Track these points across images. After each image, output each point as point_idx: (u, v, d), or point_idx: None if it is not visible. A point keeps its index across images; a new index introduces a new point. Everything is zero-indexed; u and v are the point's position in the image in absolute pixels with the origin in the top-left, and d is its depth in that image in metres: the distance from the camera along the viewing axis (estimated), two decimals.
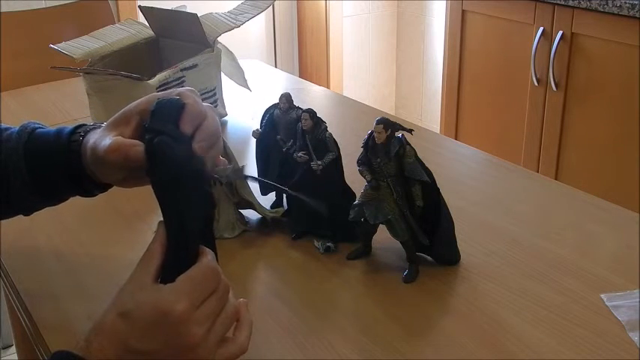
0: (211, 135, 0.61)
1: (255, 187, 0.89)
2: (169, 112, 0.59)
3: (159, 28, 1.30)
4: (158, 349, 0.54)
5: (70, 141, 0.68)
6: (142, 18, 1.33)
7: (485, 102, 2.37)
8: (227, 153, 0.83)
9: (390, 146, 0.74)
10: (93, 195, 0.72)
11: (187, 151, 0.58)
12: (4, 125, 0.72)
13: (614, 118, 1.96)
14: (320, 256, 0.82)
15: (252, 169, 0.92)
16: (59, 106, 1.41)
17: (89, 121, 1.22)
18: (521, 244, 0.84)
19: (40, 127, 0.71)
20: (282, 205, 0.90)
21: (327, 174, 0.81)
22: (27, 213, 0.76)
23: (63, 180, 0.68)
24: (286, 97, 0.86)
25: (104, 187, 0.71)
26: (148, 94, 1.13)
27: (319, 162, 0.81)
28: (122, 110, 0.65)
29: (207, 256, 0.57)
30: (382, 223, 0.78)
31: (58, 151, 0.68)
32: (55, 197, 0.72)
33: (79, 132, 0.68)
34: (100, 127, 0.68)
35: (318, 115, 0.81)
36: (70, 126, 0.70)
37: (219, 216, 0.86)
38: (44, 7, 2.05)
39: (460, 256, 0.80)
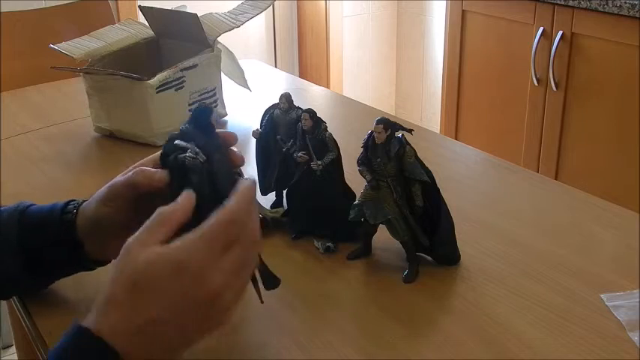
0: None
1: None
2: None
3: (159, 28, 1.30)
4: (176, 307, 0.50)
5: (64, 212, 0.67)
6: (142, 18, 1.33)
7: (485, 102, 2.37)
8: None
9: (390, 146, 0.74)
10: (90, 268, 0.70)
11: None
12: None
13: (614, 117, 1.96)
14: (320, 256, 0.82)
15: (252, 169, 0.92)
16: (59, 106, 1.41)
17: (89, 121, 1.23)
18: (521, 244, 0.84)
19: (32, 204, 0.70)
20: (282, 205, 0.90)
21: (327, 174, 0.81)
22: (20, 293, 0.74)
23: (56, 252, 0.67)
24: (286, 97, 0.86)
25: (98, 262, 0.70)
26: (148, 94, 1.13)
27: (319, 162, 0.81)
28: (129, 169, 0.65)
29: (230, 202, 0.53)
30: (382, 223, 0.78)
31: (52, 224, 0.66)
32: (49, 273, 0.70)
33: (72, 204, 0.68)
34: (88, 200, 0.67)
35: (318, 115, 0.81)
36: (62, 201, 0.69)
37: None
38: (44, 7, 2.05)
39: (460, 256, 0.80)
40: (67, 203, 0.68)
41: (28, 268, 0.67)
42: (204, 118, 0.63)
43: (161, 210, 0.53)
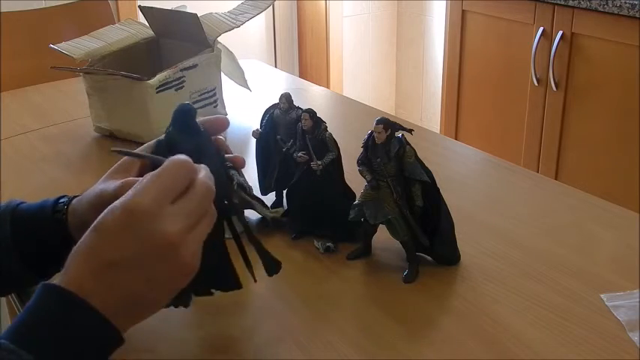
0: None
1: (255, 187, 0.89)
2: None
3: (159, 28, 1.30)
4: (135, 253, 0.50)
5: (55, 211, 0.67)
6: (142, 18, 1.33)
7: (485, 102, 2.37)
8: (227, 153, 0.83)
9: (390, 146, 0.74)
10: None
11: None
12: None
13: (614, 118, 1.96)
14: (320, 256, 0.82)
15: (252, 169, 0.92)
16: (59, 106, 1.41)
17: (89, 121, 1.23)
18: (521, 244, 0.84)
19: (22, 202, 0.70)
20: (282, 205, 0.90)
21: (327, 174, 0.81)
22: (19, 289, 0.74)
23: (49, 249, 0.66)
24: (286, 97, 0.86)
25: None
26: (148, 94, 1.13)
27: (319, 162, 0.81)
28: (120, 161, 0.65)
29: (179, 155, 0.54)
30: (382, 223, 0.78)
31: (43, 222, 0.66)
32: (44, 268, 0.69)
33: (62, 202, 0.67)
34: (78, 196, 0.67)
35: (318, 115, 0.81)
36: (51, 198, 0.68)
37: None
38: (44, 7, 2.05)
39: (460, 256, 0.80)
40: (57, 201, 0.68)
41: (23, 263, 0.67)
42: (187, 118, 0.62)
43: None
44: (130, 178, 0.63)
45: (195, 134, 0.62)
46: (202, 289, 0.66)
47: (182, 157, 0.54)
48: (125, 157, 0.65)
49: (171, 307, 0.64)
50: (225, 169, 0.66)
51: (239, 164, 0.66)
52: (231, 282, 0.65)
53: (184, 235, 0.51)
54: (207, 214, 0.54)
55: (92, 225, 0.51)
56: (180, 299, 0.63)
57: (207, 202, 0.54)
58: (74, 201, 0.67)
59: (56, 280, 0.52)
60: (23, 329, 0.49)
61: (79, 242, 0.52)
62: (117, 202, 0.51)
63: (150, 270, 0.51)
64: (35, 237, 0.67)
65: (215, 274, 0.64)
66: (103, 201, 0.62)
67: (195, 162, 0.57)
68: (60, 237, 0.66)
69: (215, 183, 0.57)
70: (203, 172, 0.55)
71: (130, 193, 0.51)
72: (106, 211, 0.51)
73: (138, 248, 0.50)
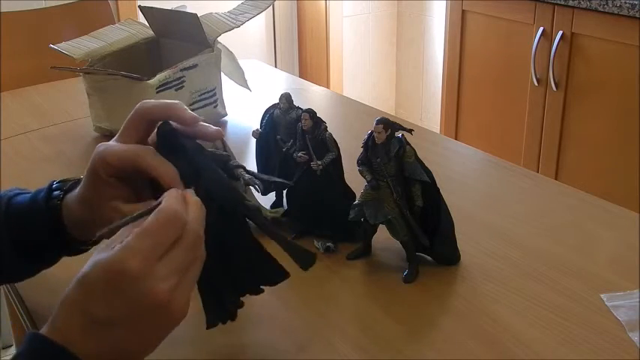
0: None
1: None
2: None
3: (159, 28, 1.30)
4: (124, 314, 0.49)
5: (50, 198, 0.66)
6: (142, 18, 1.33)
7: (485, 102, 2.37)
8: (227, 152, 0.83)
9: (390, 146, 0.74)
10: (80, 251, 0.69)
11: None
12: None
13: (614, 118, 1.96)
14: (320, 256, 0.82)
15: (252, 169, 0.92)
16: (59, 106, 1.41)
17: (89, 122, 1.23)
18: (522, 244, 0.84)
19: (20, 193, 0.69)
20: (282, 205, 0.90)
21: (327, 174, 0.81)
22: (17, 279, 0.74)
23: (44, 237, 0.66)
24: (286, 97, 0.86)
25: (85, 243, 0.69)
26: (148, 94, 1.13)
27: (319, 162, 0.81)
28: (124, 123, 0.64)
29: (167, 201, 0.51)
30: (382, 223, 0.78)
31: (37, 210, 0.66)
32: (41, 258, 0.70)
33: (55, 194, 0.66)
34: (73, 180, 0.66)
35: (318, 115, 0.81)
36: (44, 187, 0.68)
37: None
38: (44, 7, 2.05)
39: (460, 256, 0.80)
40: (50, 193, 0.67)
41: (15, 253, 0.67)
42: (171, 139, 0.60)
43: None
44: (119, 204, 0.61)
45: (183, 153, 0.60)
46: (252, 289, 0.64)
47: (172, 207, 0.51)
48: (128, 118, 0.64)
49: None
50: (230, 170, 0.64)
51: (213, 136, 0.64)
52: (277, 274, 0.64)
53: (174, 291, 0.50)
54: (196, 260, 0.53)
55: (77, 277, 0.50)
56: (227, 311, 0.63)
57: (197, 250, 0.53)
58: (68, 197, 0.66)
59: (44, 328, 0.51)
60: None
61: (66, 291, 0.51)
62: (103, 258, 0.49)
63: (139, 327, 0.50)
64: (27, 226, 0.66)
65: (259, 270, 0.63)
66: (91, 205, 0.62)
67: (191, 180, 0.57)
68: (52, 226, 0.66)
69: (220, 190, 0.57)
70: (191, 213, 0.53)
71: (117, 250, 0.49)
72: (91, 263, 0.50)
73: (127, 309, 0.49)
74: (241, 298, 0.64)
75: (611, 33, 1.89)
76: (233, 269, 0.61)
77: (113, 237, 0.52)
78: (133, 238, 0.49)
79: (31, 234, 0.67)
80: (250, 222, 0.62)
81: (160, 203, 0.52)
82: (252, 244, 0.62)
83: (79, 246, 0.69)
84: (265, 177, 0.66)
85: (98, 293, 0.49)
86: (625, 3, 1.80)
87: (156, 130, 0.61)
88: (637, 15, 1.79)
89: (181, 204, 0.53)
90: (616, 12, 1.83)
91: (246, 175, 0.65)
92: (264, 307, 0.74)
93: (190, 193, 0.55)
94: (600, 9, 1.87)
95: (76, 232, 0.66)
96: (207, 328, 0.62)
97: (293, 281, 0.78)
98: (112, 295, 0.49)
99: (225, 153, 0.68)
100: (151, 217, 0.51)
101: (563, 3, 1.97)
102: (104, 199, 0.61)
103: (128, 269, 0.48)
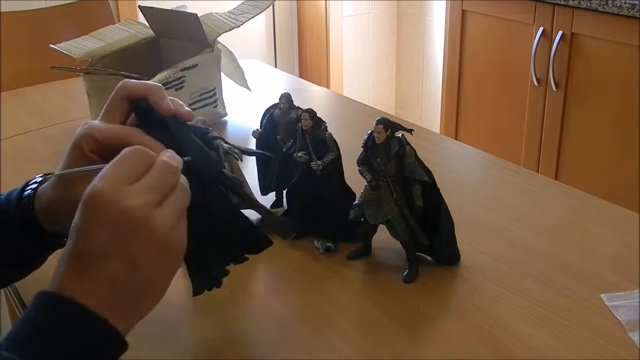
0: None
1: (255, 187, 0.89)
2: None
3: (159, 28, 1.30)
4: (107, 241, 0.49)
5: (21, 197, 0.65)
6: (142, 18, 1.33)
7: (485, 102, 2.37)
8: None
9: (390, 146, 0.74)
10: (63, 244, 0.69)
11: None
12: None
13: (614, 118, 1.96)
14: (320, 256, 0.82)
15: (252, 169, 0.92)
16: (59, 106, 1.41)
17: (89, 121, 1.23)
18: (521, 244, 0.84)
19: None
20: (282, 205, 0.90)
21: (327, 174, 0.81)
22: (5, 284, 0.74)
23: (19, 240, 0.65)
24: (286, 97, 0.86)
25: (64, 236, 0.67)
26: None
27: (319, 162, 0.81)
28: (106, 104, 0.63)
29: (136, 137, 0.54)
30: (382, 223, 0.78)
31: (7, 213, 0.65)
32: (23, 261, 0.68)
33: (26, 193, 0.65)
34: (46, 178, 0.66)
35: (318, 115, 0.81)
36: (18, 188, 0.67)
37: None
38: (44, 7, 2.05)
39: (460, 256, 0.80)
40: (22, 192, 0.66)
41: None
42: (149, 114, 0.60)
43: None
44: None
45: (164, 127, 0.60)
46: (237, 256, 0.66)
47: (138, 145, 0.53)
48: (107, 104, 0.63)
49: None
50: (208, 142, 0.64)
51: (185, 117, 0.64)
52: (261, 242, 0.65)
53: (150, 209, 0.50)
54: (176, 188, 0.53)
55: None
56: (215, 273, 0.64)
57: (171, 177, 0.53)
58: (39, 191, 0.65)
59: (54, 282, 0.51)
60: (18, 336, 0.48)
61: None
62: (83, 195, 0.50)
63: (126, 252, 0.50)
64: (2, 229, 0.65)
65: (242, 239, 0.64)
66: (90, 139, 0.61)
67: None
68: (25, 226, 0.64)
69: (201, 161, 0.57)
70: (167, 153, 0.54)
71: (90, 184, 0.50)
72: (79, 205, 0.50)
73: (107, 234, 0.49)
74: (227, 267, 0.65)
75: (611, 33, 1.89)
76: (217, 238, 0.62)
77: None
78: (102, 170, 0.50)
79: (5, 239, 0.65)
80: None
81: None
82: (234, 213, 0.63)
83: (59, 240, 0.67)
84: (243, 148, 0.67)
85: (81, 231, 0.49)
86: (625, 3, 1.80)
87: (134, 108, 0.61)
88: (637, 15, 1.79)
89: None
90: (616, 12, 1.83)
91: (225, 144, 0.65)
92: (263, 307, 0.74)
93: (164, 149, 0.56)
94: (600, 9, 1.87)
95: (49, 223, 0.65)
96: (193, 295, 0.63)
97: (293, 281, 0.78)
98: (91, 225, 0.49)
99: (203, 126, 0.68)
100: (120, 153, 0.52)
101: (563, 3, 1.97)
102: (82, 175, 0.60)
103: (99, 192, 0.49)
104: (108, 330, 0.49)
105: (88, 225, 0.49)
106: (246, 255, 0.66)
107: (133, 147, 0.53)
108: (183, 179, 0.54)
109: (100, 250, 0.49)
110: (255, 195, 0.89)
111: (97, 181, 0.50)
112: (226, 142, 0.65)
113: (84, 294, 0.49)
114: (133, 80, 0.62)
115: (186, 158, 0.56)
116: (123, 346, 0.51)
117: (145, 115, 0.60)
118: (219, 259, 0.64)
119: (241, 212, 0.64)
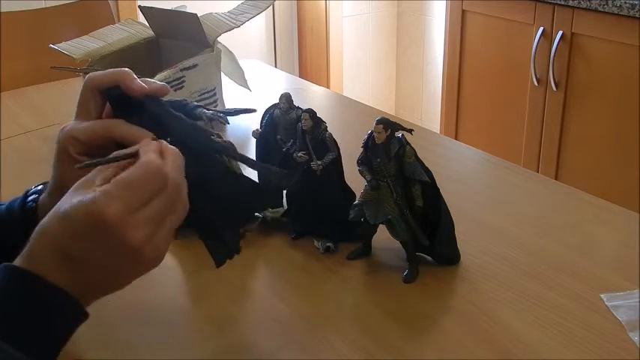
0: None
1: None
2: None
3: (159, 28, 1.30)
4: (98, 257, 0.51)
5: (24, 208, 0.66)
6: (142, 18, 1.33)
7: (485, 102, 2.37)
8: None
9: (390, 146, 0.74)
10: None
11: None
12: None
13: (614, 118, 1.96)
14: (320, 256, 0.82)
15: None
16: (59, 106, 1.40)
17: None
18: (521, 244, 0.84)
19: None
20: (282, 205, 0.90)
21: (327, 174, 0.81)
22: None
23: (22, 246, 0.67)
24: (286, 97, 0.86)
25: None
26: None
27: (319, 162, 0.81)
28: (78, 102, 0.64)
29: (148, 155, 0.52)
30: (382, 223, 0.78)
31: (12, 220, 0.65)
32: None
33: (30, 201, 0.67)
34: (45, 186, 0.66)
35: (318, 115, 0.81)
36: (18, 200, 0.68)
37: None
38: (44, 7, 2.05)
39: (460, 256, 0.80)
40: (24, 199, 0.67)
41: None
42: (124, 100, 0.59)
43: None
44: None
45: (142, 110, 0.59)
46: (247, 217, 0.68)
47: (154, 162, 0.52)
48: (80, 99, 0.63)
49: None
50: (190, 112, 0.64)
51: (161, 92, 0.63)
52: (264, 197, 0.68)
53: (149, 239, 0.51)
54: (176, 210, 0.54)
55: (58, 211, 0.51)
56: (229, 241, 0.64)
57: (177, 201, 0.54)
58: (41, 199, 0.66)
59: (18, 259, 0.52)
60: None
61: (43, 222, 0.52)
62: (86, 200, 0.50)
63: (110, 268, 0.52)
64: (4, 237, 0.65)
65: (247, 198, 0.65)
66: (76, 137, 0.62)
67: (160, 134, 0.57)
68: (27, 236, 0.65)
69: (188, 133, 0.57)
70: (170, 163, 0.53)
71: (99, 194, 0.50)
72: (74, 202, 0.50)
73: (101, 253, 0.51)
74: (241, 230, 0.65)
75: (611, 33, 1.89)
76: (222, 204, 0.62)
77: (90, 174, 0.53)
78: (116, 187, 0.50)
79: (11, 249, 0.66)
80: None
81: (138, 151, 0.53)
82: (231, 176, 0.63)
83: None
84: (226, 110, 0.67)
85: (77, 234, 0.50)
86: (625, 3, 1.80)
87: (107, 97, 0.61)
88: (637, 15, 1.79)
89: (160, 156, 0.53)
90: (616, 12, 1.83)
91: (208, 111, 0.65)
92: (263, 307, 0.74)
93: (166, 144, 0.55)
94: (600, 9, 1.87)
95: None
96: (217, 267, 0.63)
97: (293, 281, 0.78)
98: (89, 238, 0.50)
99: (180, 99, 0.67)
100: (134, 169, 0.51)
101: (563, 3, 1.97)
102: (76, 178, 0.60)
103: (108, 216, 0.49)
104: (67, 297, 0.51)
105: (87, 236, 0.50)
106: (255, 213, 0.66)
107: (149, 165, 0.52)
108: (183, 199, 0.55)
109: (89, 259, 0.51)
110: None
111: (109, 198, 0.50)
112: (208, 109, 0.65)
113: (59, 282, 0.51)
114: (98, 71, 0.61)
115: (171, 139, 0.56)
116: (83, 315, 0.53)
117: (120, 102, 0.60)
118: (230, 223, 0.64)
119: (236, 172, 0.64)
